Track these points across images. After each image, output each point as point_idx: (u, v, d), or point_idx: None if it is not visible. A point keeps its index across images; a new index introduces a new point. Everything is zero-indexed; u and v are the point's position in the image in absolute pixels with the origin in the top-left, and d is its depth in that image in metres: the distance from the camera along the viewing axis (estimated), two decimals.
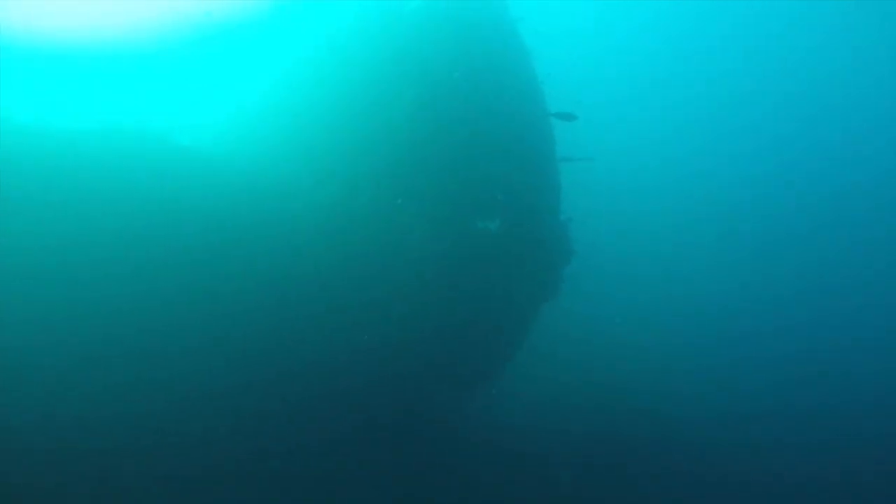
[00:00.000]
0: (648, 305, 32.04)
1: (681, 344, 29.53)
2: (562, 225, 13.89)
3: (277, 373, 11.72)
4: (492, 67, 12.64)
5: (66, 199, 11.33)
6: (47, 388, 10.53)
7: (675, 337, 30.08)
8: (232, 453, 11.17)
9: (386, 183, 12.26)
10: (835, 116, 49.79)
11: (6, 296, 10.49)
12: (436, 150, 12.13)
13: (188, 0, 13.46)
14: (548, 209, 13.31)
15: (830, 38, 46.09)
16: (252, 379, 11.56)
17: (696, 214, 44.50)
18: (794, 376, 28.89)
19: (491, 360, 14.44)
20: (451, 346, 12.87)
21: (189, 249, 11.50)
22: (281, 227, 12.16)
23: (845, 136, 49.81)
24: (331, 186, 12.55)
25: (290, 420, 11.80)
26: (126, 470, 10.39)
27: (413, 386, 12.92)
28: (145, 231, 11.39)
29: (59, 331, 10.75)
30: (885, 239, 44.02)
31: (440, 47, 12.40)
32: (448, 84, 12.18)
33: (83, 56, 13.82)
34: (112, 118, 12.53)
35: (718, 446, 19.92)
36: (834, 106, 49.53)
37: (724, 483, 17.83)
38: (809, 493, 18.78)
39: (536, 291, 13.45)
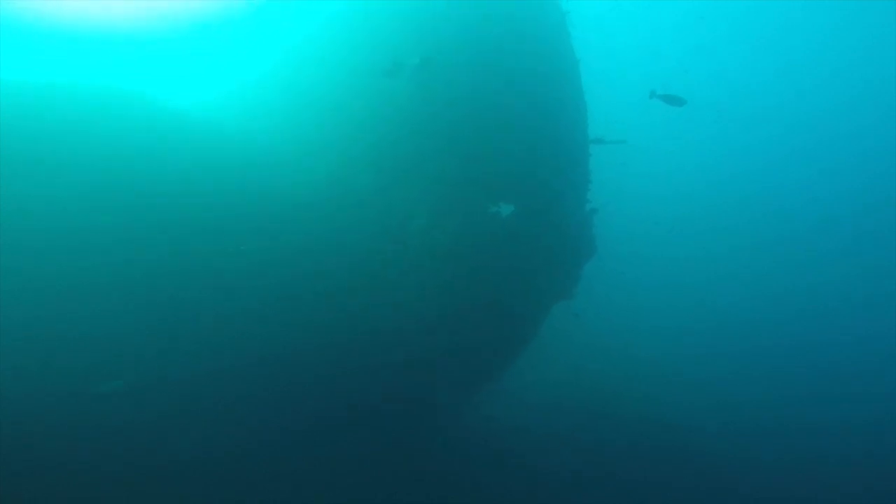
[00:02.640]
0: (669, 313, 30.83)
1: (701, 354, 28.53)
2: (586, 216, 12.43)
3: (269, 362, 10.73)
4: (513, 40, 11.07)
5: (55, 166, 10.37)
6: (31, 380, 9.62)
7: (695, 346, 29.06)
8: (233, 448, 10.36)
9: (387, 161, 10.92)
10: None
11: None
12: (443, 126, 10.70)
13: None
14: (571, 196, 11.83)
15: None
16: (243, 368, 10.59)
17: (741, 219, 43.00)
18: (821, 391, 28.08)
19: (495, 357, 13.18)
20: (452, 340, 11.61)
21: (186, 234, 10.61)
22: (281, 211, 11.10)
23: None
24: (329, 165, 11.42)
25: (284, 414, 10.91)
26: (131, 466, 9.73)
27: (413, 380, 11.79)
28: (140, 206, 10.46)
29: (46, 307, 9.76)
30: None
31: (452, 21, 10.97)
32: (460, 57, 10.75)
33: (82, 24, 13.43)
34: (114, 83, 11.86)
35: (728, 458, 19.31)
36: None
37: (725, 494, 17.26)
38: None
39: (548, 288, 11.99)
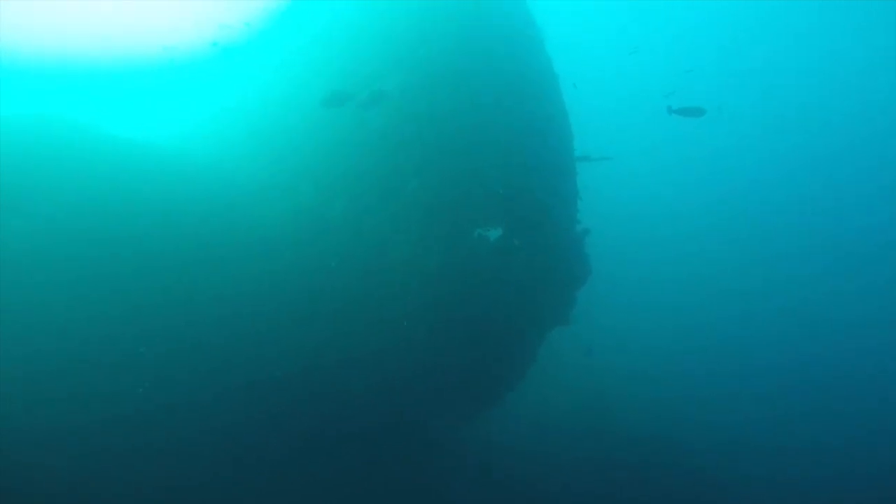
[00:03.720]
0: (672, 335, 30.47)
1: (698, 370, 28.23)
2: (577, 237, 11.99)
3: (256, 387, 10.40)
4: (496, 60, 10.86)
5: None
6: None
7: (692, 362, 28.82)
8: (224, 461, 10.12)
9: (361, 189, 10.56)
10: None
11: None
12: (425, 146, 10.38)
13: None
14: (561, 217, 11.40)
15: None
16: (232, 392, 10.24)
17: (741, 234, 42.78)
18: (816, 408, 28.14)
19: (487, 387, 12.55)
20: (445, 365, 11.13)
21: (168, 252, 10.46)
22: (256, 241, 10.88)
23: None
24: (301, 195, 11.21)
25: (276, 435, 10.51)
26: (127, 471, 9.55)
27: (405, 403, 11.36)
28: (112, 239, 10.35)
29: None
30: None
31: (427, 46, 10.83)
32: (444, 77, 10.53)
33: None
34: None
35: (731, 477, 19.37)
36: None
37: None
38: None
39: (542, 315, 11.50)
